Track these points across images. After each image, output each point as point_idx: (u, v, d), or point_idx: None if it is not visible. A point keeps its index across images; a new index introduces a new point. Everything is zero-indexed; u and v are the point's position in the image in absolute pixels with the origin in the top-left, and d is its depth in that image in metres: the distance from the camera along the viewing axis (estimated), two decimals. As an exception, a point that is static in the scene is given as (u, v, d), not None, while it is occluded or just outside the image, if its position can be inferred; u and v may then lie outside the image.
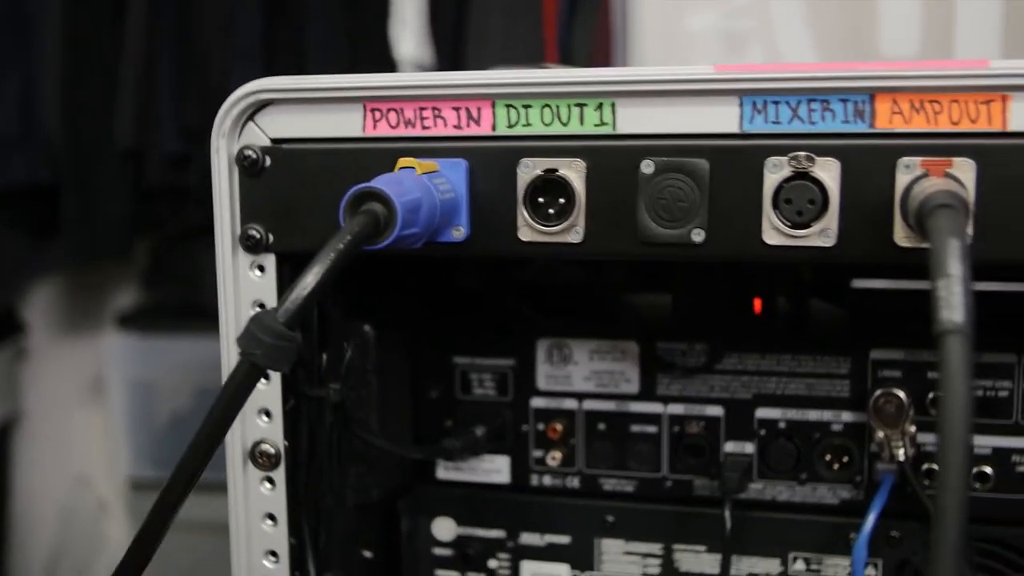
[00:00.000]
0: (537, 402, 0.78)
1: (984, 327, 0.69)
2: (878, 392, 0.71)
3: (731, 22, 1.50)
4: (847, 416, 0.73)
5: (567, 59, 1.50)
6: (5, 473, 2.06)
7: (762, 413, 0.74)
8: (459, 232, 0.59)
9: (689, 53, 1.49)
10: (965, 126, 0.55)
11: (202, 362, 1.83)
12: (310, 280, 0.50)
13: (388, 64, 1.51)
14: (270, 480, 0.66)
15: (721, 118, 0.57)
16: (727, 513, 0.72)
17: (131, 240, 1.67)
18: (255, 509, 0.66)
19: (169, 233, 1.77)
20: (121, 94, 1.56)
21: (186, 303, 1.88)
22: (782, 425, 0.74)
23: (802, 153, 0.55)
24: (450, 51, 1.53)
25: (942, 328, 0.44)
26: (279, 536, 0.66)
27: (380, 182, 0.54)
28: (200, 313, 1.84)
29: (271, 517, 0.66)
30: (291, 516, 0.66)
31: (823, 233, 0.56)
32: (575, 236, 0.59)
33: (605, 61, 1.53)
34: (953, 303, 0.44)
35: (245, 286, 0.64)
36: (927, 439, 0.71)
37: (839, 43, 1.46)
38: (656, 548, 0.77)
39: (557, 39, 1.55)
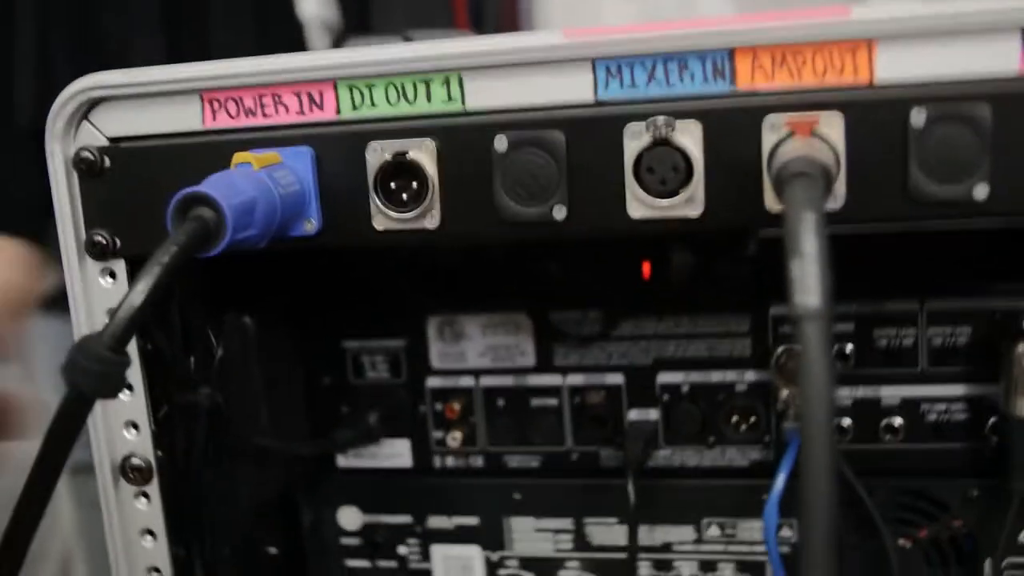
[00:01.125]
0: (433, 381, 0.75)
1: (884, 272, 0.68)
2: (780, 349, 0.69)
3: None
4: (751, 376, 0.71)
5: (477, 17, 1.45)
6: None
7: (664, 378, 0.72)
8: (310, 225, 0.56)
9: (599, 10, 1.44)
10: (831, 79, 0.51)
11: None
12: (136, 298, 0.46)
13: (296, 27, 1.45)
14: (144, 495, 0.62)
15: (575, 87, 0.54)
16: (630, 485, 0.69)
17: (45, 221, 1.61)
18: (132, 526, 0.63)
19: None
20: (17, 73, 1.50)
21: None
22: (685, 389, 0.72)
23: (661, 118, 0.52)
24: (356, 8, 1.47)
25: (797, 313, 0.41)
26: (159, 551, 0.63)
27: (208, 184, 0.50)
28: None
29: (150, 532, 0.63)
30: (171, 529, 0.63)
31: (689, 202, 0.53)
32: (432, 221, 0.55)
33: (514, 21, 1.48)
34: (808, 285, 0.41)
35: (97, 294, 0.60)
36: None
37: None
38: (567, 523, 0.75)
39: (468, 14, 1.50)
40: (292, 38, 1.46)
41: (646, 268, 0.70)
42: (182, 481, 0.64)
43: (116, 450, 0.62)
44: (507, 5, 1.48)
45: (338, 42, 1.48)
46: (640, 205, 0.53)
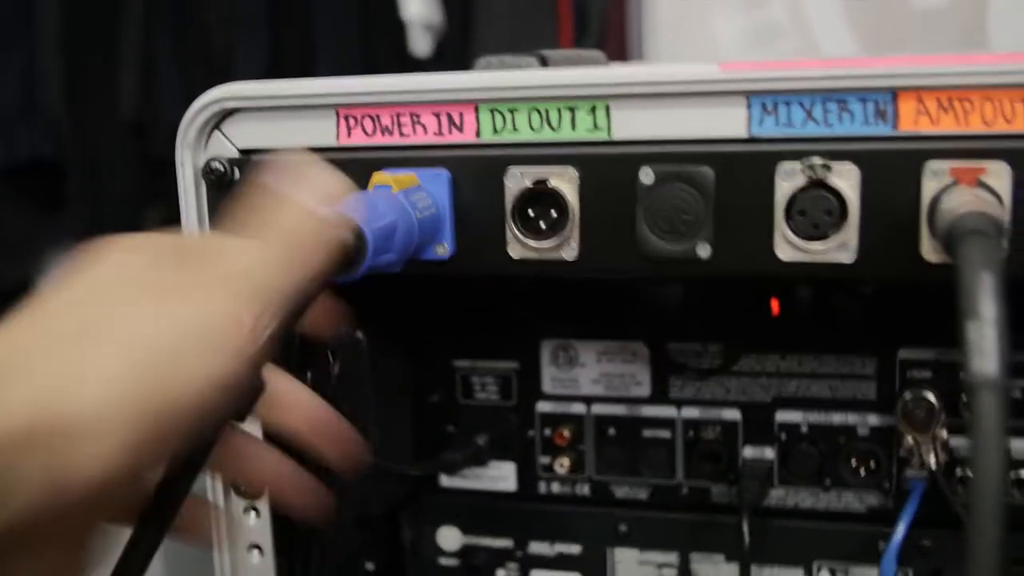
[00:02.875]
0: (543, 406, 0.73)
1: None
2: (907, 394, 0.66)
3: (756, 16, 1.42)
4: (874, 420, 0.68)
5: (581, 23, 1.43)
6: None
7: (782, 416, 0.70)
8: (443, 249, 0.55)
9: (711, 45, 1.41)
10: (1000, 127, 0.49)
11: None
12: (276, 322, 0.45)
13: (399, 27, 1.44)
14: (254, 509, 0.62)
15: (727, 121, 0.52)
16: (745, 525, 0.67)
17: (139, 212, 1.62)
18: (240, 541, 0.62)
19: (177, 204, 1.72)
20: (123, 65, 1.51)
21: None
22: (804, 429, 0.69)
23: (817, 159, 0.50)
24: (460, 11, 1.46)
25: (974, 380, 0.38)
26: (266, 567, 0.62)
27: (350, 207, 0.49)
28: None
29: (258, 548, 0.62)
30: (278, 545, 0.62)
31: (841, 247, 0.50)
32: (569, 252, 0.54)
33: (621, 31, 1.46)
34: (986, 350, 0.39)
35: (219, 306, 0.59)
36: (960, 443, 0.66)
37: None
38: (672, 558, 0.73)
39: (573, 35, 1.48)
40: (395, 38, 1.46)
41: (774, 305, 0.68)
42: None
43: (229, 464, 0.61)
44: (614, 17, 1.46)
45: (440, 47, 1.47)
46: (789, 247, 0.51)
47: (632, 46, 1.47)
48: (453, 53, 1.45)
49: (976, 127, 0.49)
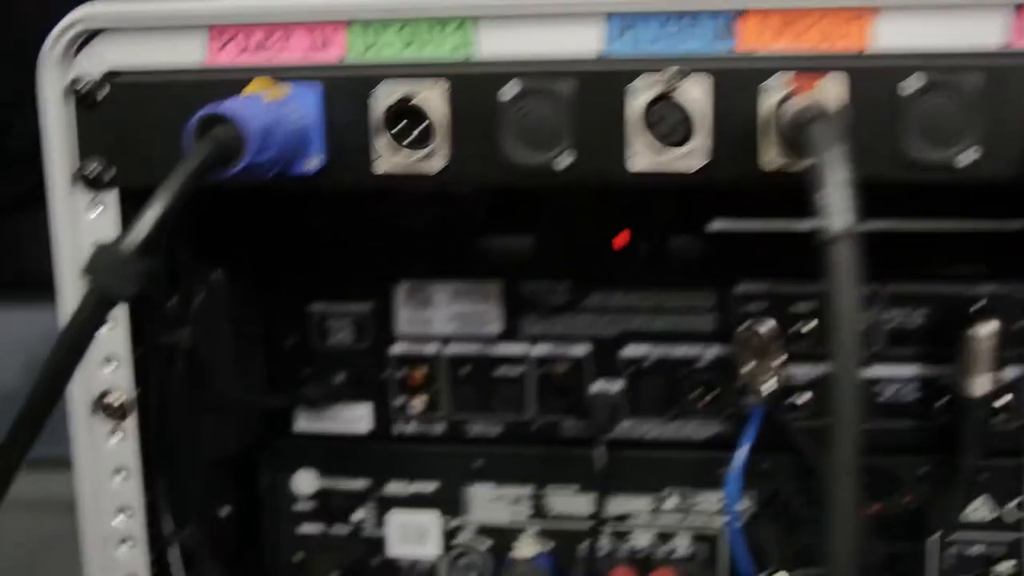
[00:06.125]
0: (397, 347, 0.75)
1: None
2: (744, 325, 0.70)
3: None
4: (714, 350, 0.72)
5: None
6: None
7: (629, 351, 0.73)
8: (313, 163, 0.56)
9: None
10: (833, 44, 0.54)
11: (32, 335, 1.73)
12: (157, 207, 0.46)
13: None
14: (119, 432, 0.62)
15: (586, 39, 0.55)
16: (596, 453, 0.70)
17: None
18: (104, 464, 0.62)
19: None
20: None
21: (11, 272, 1.78)
22: (649, 362, 0.73)
23: (673, 68, 0.53)
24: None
25: (830, 235, 0.42)
26: (132, 491, 0.62)
27: (227, 105, 0.50)
28: (27, 283, 1.73)
29: (122, 471, 0.62)
30: (145, 470, 0.62)
31: (691, 154, 0.54)
32: (436, 164, 0.56)
33: None
34: (839, 208, 0.43)
35: (85, 226, 0.59)
36: (796, 372, 0.70)
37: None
38: (526, 491, 0.75)
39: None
40: None
41: (619, 239, 0.71)
42: (155, 423, 0.63)
43: (93, 385, 0.61)
44: None
45: None
46: (644, 156, 0.55)
47: None
48: None
49: (812, 43, 0.54)
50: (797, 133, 0.48)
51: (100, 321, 0.45)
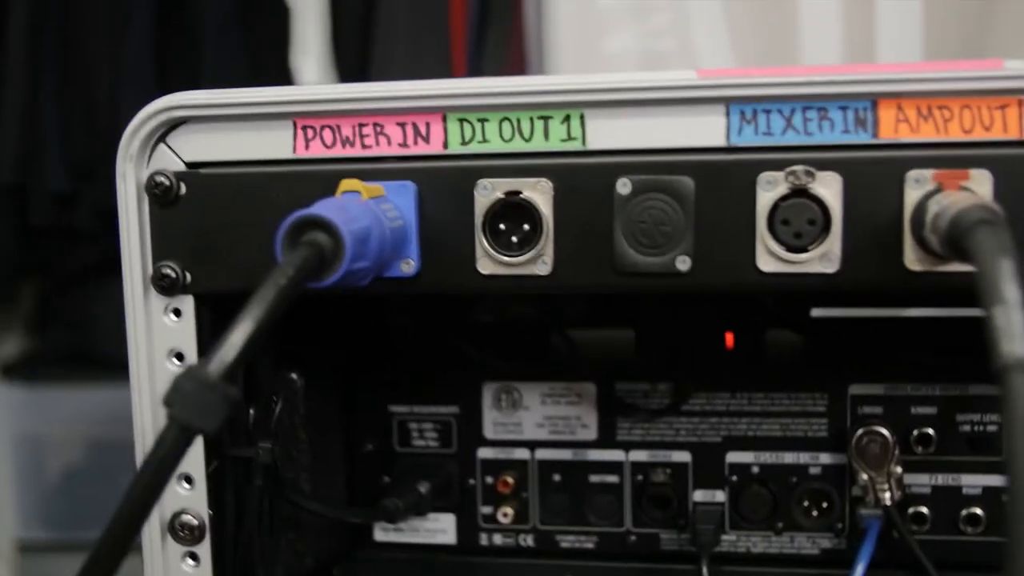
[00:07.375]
0: (484, 452, 0.70)
1: (969, 354, 0.65)
2: (860, 431, 0.65)
3: (650, 43, 1.45)
4: (826, 458, 0.67)
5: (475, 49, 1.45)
6: None
7: (733, 457, 0.68)
8: (409, 266, 0.52)
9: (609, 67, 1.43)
10: (978, 134, 0.49)
11: (95, 414, 1.72)
12: (246, 326, 0.42)
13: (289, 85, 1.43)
14: (193, 556, 0.57)
15: (706, 130, 0.51)
16: (704, 570, 0.65)
17: (11, 283, 1.55)
18: (176, 588, 0.57)
19: (57, 275, 1.65)
20: (1, 126, 1.45)
21: (77, 350, 1.76)
22: (755, 470, 0.68)
23: (800, 167, 0.49)
24: (356, 78, 1.45)
25: (1004, 362, 0.37)
26: (202, 616, 0.57)
27: (322, 208, 0.46)
28: (92, 361, 1.72)
29: (193, 596, 0.57)
30: (216, 592, 0.57)
31: (825, 257, 0.49)
32: (543, 267, 0.51)
33: (520, 57, 1.47)
34: (1014, 333, 0.38)
35: (159, 333, 0.55)
36: (914, 480, 0.65)
37: (761, 56, 1.41)
38: (621, 609, 0.70)
39: (467, 64, 1.49)
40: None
41: (729, 339, 0.66)
42: (232, 543, 0.58)
43: (166, 505, 0.56)
44: (513, 64, 1.46)
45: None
46: (772, 259, 0.50)
47: (532, 70, 1.49)
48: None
49: (955, 135, 0.49)
50: (959, 237, 0.43)
51: (181, 454, 0.41)
